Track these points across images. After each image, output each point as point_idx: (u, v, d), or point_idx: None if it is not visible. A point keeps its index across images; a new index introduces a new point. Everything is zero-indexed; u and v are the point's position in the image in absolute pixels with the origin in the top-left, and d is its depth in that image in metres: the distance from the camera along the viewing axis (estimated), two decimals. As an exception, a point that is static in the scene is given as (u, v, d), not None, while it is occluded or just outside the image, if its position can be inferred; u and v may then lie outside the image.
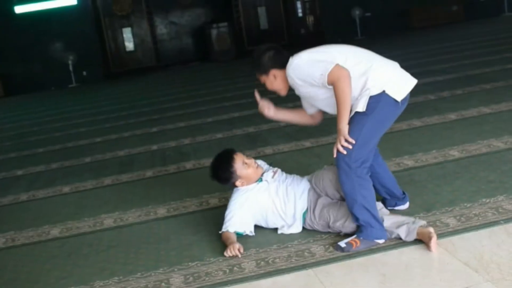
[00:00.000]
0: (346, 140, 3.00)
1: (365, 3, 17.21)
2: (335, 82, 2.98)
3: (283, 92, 3.38)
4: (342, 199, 3.31)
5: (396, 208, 3.50)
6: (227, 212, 3.42)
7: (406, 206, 3.53)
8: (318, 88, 3.13)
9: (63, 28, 15.82)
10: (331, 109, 3.25)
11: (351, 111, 3.05)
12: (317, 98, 3.24)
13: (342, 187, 3.11)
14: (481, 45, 11.27)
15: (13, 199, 5.18)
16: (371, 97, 3.03)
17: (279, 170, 3.57)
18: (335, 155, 3.06)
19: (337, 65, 2.99)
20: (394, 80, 3.10)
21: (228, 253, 3.21)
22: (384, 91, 3.03)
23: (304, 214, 3.36)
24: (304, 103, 3.47)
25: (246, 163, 3.45)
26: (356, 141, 3.00)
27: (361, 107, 3.03)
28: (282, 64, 3.25)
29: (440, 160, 4.39)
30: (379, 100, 3.02)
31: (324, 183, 3.39)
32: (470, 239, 2.99)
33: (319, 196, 3.39)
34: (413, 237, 3.03)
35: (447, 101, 6.56)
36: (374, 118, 3.04)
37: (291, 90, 3.37)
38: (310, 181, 3.49)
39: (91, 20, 16.37)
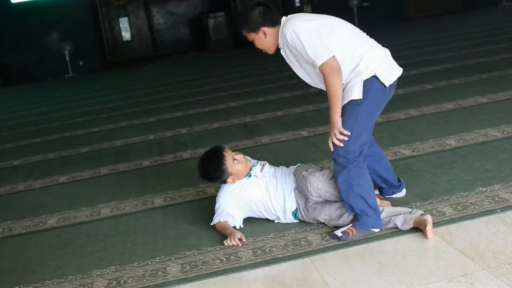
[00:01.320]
0: (342, 133, 2.99)
1: (362, -7, 17.19)
2: (326, 73, 2.96)
3: (271, 50, 3.28)
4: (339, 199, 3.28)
5: (394, 196, 3.50)
6: (216, 206, 3.42)
7: (403, 193, 3.54)
8: (305, 62, 3.11)
9: (59, 18, 15.75)
10: (309, 80, 3.27)
11: (343, 99, 3.03)
12: (299, 68, 3.22)
13: (337, 177, 3.09)
14: (479, 35, 11.26)
15: (10, 189, 5.17)
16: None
17: (267, 164, 3.53)
18: (332, 149, 3.05)
19: (333, 57, 2.95)
20: (385, 65, 3.09)
21: (228, 242, 3.21)
22: (375, 75, 3.01)
23: (294, 212, 3.35)
24: (292, 66, 3.34)
25: (235, 159, 3.40)
26: (351, 132, 2.99)
27: (357, 94, 3.00)
28: (273, 22, 3.16)
29: (437, 149, 4.39)
30: (370, 88, 3.01)
31: (323, 192, 3.23)
32: (466, 228, 2.99)
33: (305, 197, 3.33)
34: (409, 226, 3.03)
35: (444, 90, 6.56)
36: (367, 106, 3.03)
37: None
38: (295, 181, 3.38)
39: (88, 10, 16.30)
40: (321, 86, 3.22)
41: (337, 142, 3.01)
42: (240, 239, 3.20)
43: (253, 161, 3.55)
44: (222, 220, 3.37)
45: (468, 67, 7.79)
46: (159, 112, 8.02)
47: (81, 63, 16.30)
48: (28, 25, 15.59)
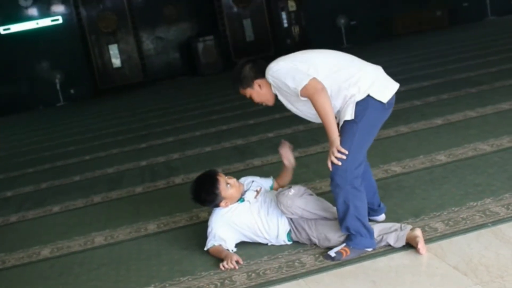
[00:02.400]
0: (340, 151, 2.99)
1: (350, 12, 17.29)
2: (311, 95, 2.98)
3: (270, 101, 3.34)
4: (319, 216, 3.29)
5: (370, 218, 3.47)
6: (208, 230, 3.43)
7: (381, 218, 3.50)
8: (295, 98, 3.13)
9: (49, 47, 15.79)
10: (309, 118, 3.29)
11: (339, 120, 3.05)
12: (294, 107, 3.26)
13: (335, 197, 3.08)
14: (466, 50, 11.36)
15: (3, 221, 5.15)
16: (357, 103, 3.02)
17: (263, 189, 3.56)
18: (331, 169, 3.03)
19: (313, 79, 2.98)
20: (378, 83, 3.09)
21: (225, 265, 3.20)
22: (368, 95, 3.02)
23: (289, 233, 3.36)
24: (290, 108, 3.36)
25: (229, 184, 3.42)
26: (349, 151, 2.99)
27: (349, 115, 3.02)
28: (264, 73, 3.24)
29: (427, 165, 4.42)
30: (367, 106, 3.02)
31: (295, 210, 3.23)
32: (458, 243, 3.01)
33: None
34: (402, 243, 3.04)
35: (433, 106, 6.61)
36: (364, 125, 3.03)
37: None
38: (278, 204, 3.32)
39: (77, 38, 16.35)
40: (309, 118, 3.30)
41: (335, 161, 2.99)
42: (237, 262, 3.20)
43: (248, 184, 3.57)
44: (215, 244, 3.37)
45: (456, 82, 7.85)
46: (151, 138, 8.03)
47: (72, 91, 16.31)
48: (18, 54, 15.61)
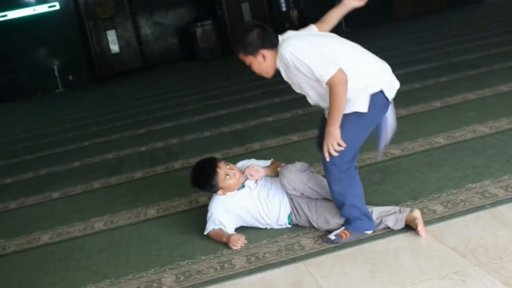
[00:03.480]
0: (339, 144, 2.94)
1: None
2: (333, 86, 2.85)
3: (269, 74, 3.17)
4: (320, 195, 3.30)
5: None
6: (208, 215, 3.43)
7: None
8: (309, 80, 2.99)
9: (46, 34, 15.74)
10: (309, 99, 3.18)
11: (346, 108, 2.97)
12: (305, 88, 3.10)
13: (330, 187, 3.07)
14: (464, 32, 11.32)
15: (2, 208, 5.16)
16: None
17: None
18: (328, 159, 2.96)
19: (341, 70, 2.85)
20: (388, 80, 3.07)
21: (236, 246, 3.24)
22: (381, 90, 2.99)
23: (289, 216, 3.37)
24: (292, 85, 3.23)
25: (228, 175, 3.38)
26: (348, 143, 2.95)
27: (362, 107, 2.95)
28: (272, 44, 3.04)
29: (426, 148, 4.42)
30: (374, 101, 2.98)
31: (297, 184, 3.26)
32: (457, 225, 3.01)
33: (297, 196, 3.34)
34: (401, 225, 3.05)
35: (432, 88, 6.60)
36: (368, 120, 3.01)
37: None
38: (282, 184, 3.33)
39: (75, 24, 16.30)
40: (318, 103, 3.16)
41: (334, 153, 2.94)
42: (239, 240, 3.25)
43: (260, 163, 3.57)
44: (215, 228, 3.38)
45: (455, 65, 7.83)
46: (150, 123, 8.02)
47: (70, 77, 16.28)
48: (16, 41, 15.57)
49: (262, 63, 3.09)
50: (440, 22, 14.33)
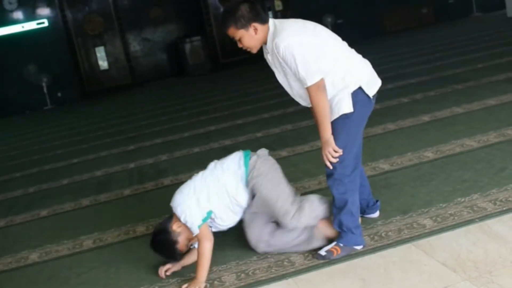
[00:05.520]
0: (336, 151, 2.99)
1: (336, 10, 17.31)
2: (313, 92, 2.95)
3: (256, 48, 3.16)
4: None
5: (366, 216, 3.49)
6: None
7: (376, 215, 3.50)
8: (291, 74, 3.04)
9: (35, 50, 15.69)
10: (288, 90, 3.20)
11: (333, 114, 3.02)
12: (290, 79, 3.11)
13: (332, 191, 3.09)
14: (452, 46, 11.41)
15: (-9, 226, 5.12)
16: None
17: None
18: (330, 167, 3.03)
19: (322, 80, 2.94)
20: (368, 76, 3.11)
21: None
22: (360, 87, 3.02)
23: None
24: (276, 73, 3.22)
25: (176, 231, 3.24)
26: (345, 146, 3.01)
27: (347, 108, 2.99)
28: (262, 19, 3.06)
29: (415, 162, 4.43)
30: (356, 100, 3.01)
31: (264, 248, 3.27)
32: (446, 239, 3.02)
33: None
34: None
35: (420, 103, 6.63)
36: (355, 119, 3.04)
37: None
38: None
39: (64, 40, 16.25)
40: (297, 99, 3.22)
41: (333, 160, 3.01)
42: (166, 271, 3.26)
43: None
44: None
45: (443, 79, 7.88)
46: (139, 140, 8.00)
47: (59, 94, 16.22)
48: (4, 58, 15.51)
49: (253, 36, 3.08)
50: (428, 36, 14.42)
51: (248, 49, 3.16)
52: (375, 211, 3.50)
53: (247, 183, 3.25)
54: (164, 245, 3.24)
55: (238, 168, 3.28)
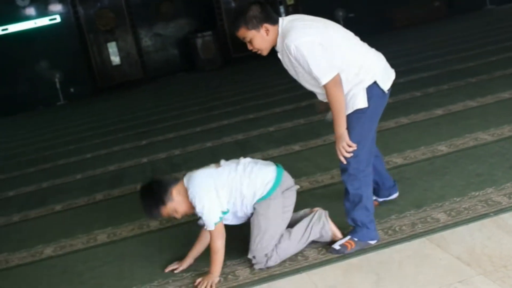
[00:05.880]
0: (350, 145, 2.99)
1: (348, 4, 17.24)
2: (329, 88, 2.93)
3: (267, 50, 3.13)
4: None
5: (390, 198, 3.52)
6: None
7: (397, 194, 3.59)
8: (303, 71, 3.02)
9: (47, 46, 15.75)
10: (303, 83, 3.17)
11: (347, 109, 3.00)
12: (304, 76, 3.09)
13: (347, 187, 3.09)
14: (465, 40, 11.33)
15: (6, 221, 5.16)
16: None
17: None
18: (345, 162, 3.03)
19: (338, 74, 2.92)
20: (382, 70, 3.09)
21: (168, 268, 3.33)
22: (375, 82, 3.01)
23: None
24: (288, 70, 3.21)
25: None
26: (359, 143, 3.00)
27: (362, 103, 2.99)
28: (273, 20, 3.04)
29: (428, 156, 4.42)
30: (371, 95, 3.00)
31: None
32: (461, 233, 3.01)
33: None
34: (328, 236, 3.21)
35: (433, 97, 6.59)
36: (370, 114, 3.03)
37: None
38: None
39: (76, 36, 16.30)
40: (315, 92, 3.19)
41: (348, 155, 3.00)
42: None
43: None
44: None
45: (456, 72, 7.83)
46: (152, 135, 8.02)
47: (72, 89, 16.28)
48: (17, 54, 15.58)
49: (264, 37, 3.06)
50: (440, 30, 14.33)
51: (259, 51, 3.15)
52: (396, 190, 3.58)
53: (257, 201, 3.19)
54: (152, 197, 3.17)
55: (261, 187, 3.16)
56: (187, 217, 4.08)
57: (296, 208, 3.32)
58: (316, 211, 3.28)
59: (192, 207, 3.15)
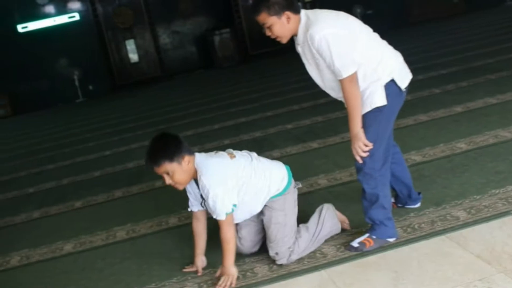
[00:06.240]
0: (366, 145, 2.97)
1: (366, 1, 17.18)
2: (346, 84, 2.91)
3: (287, 38, 3.07)
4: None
5: (407, 207, 3.48)
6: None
7: (417, 205, 3.49)
8: (324, 66, 2.99)
9: (66, 44, 15.87)
10: (319, 82, 3.15)
11: (365, 107, 2.98)
12: (315, 68, 3.08)
13: (363, 186, 3.07)
14: (484, 36, 11.23)
15: (26, 217, 5.21)
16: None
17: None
18: (360, 161, 3.00)
19: (355, 72, 2.90)
20: (399, 68, 3.07)
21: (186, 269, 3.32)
22: (392, 79, 2.98)
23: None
24: (307, 64, 3.16)
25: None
26: (375, 142, 2.97)
27: (381, 100, 2.96)
28: (296, 8, 2.98)
29: (447, 153, 4.39)
30: (388, 93, 2.97)
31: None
32: (481, 231, 2.99)
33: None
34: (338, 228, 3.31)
35: (452, 93, 6.55)
36: (387, 112, 3.01)
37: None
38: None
39: (94, 34, 16.41)
40: (329, 91, 3.17)
41: (364, 155, 2.97)
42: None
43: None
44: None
45: (475, 69, 7.77)
46: (170, 132, 8.02)
47: (90, 87, 16.40)
48: (36, 52, 15.71)
49: (285, 25, 2.99)
50: (459, 26, 14.22)
51: (278, 39, 3.09)
52: (417, 202, 3.48)
53: (272, 197, 3.19)
54: (164, 147, 3.05)
55: (276, 183, 3.20)
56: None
57: (315, 206, 3.33)
58: (322, 205, 3.36)
59: (187, 183, 3.11)
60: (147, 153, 3.08)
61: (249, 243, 3.28)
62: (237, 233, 3.25)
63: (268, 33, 3.06)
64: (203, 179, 3.02)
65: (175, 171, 3.02)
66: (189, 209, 3.29)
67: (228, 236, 3.04)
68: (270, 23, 2.99)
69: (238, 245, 3.22)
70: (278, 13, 2.95)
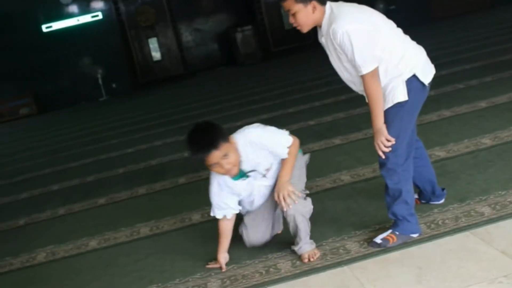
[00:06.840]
0: (388, 140, 2.96)
1: (388, -4, 17.09)
2: (367, 79, 2.90)
3: (308, 27, 3.04)
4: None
5: (431, 203, 3.45)
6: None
7: (441, 202, 3.47)
8: (346, 60, 2.98)
9: (90, 43, 16.02)
10: (342, 74, 3.14)
11: (387, 102, 2.97)
12: (337, 61, 3.06)
13: (386, 181, 3.06)
14: (508, 31, 11.09)
15: (51, 214, 5.27)
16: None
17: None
18: (383, 157, 2.99)
19: (377, 68, 2.89)
20: (422, 63, 3.04)
21: (209, 265, 3.34)
22: (414, 75, 2.96)
23: None
24: (330, 57, 3.15)
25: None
26: (398, 137, 2.96)
27: (402, 96, 2.94)
28: (323, 1, 2.96)
29: (472, 149, 4.35)
30: (411, 88, 2.95)
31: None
32: (506, 227, 2.96)
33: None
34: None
35: (476, 89, 6.48)
36: (409, 107, 2.98)
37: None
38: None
39: (117, 33, 16.53)
40: (350, 84, 3.16)
41: (386, 150, 2.96)
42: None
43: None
44: (220, 214, 3.30)
45: (499, 64, 7.68)
46: (192, 129, 8.05)
47: (114, 85, 16.53)
48: (60, 51, 15.88)
49: (310, 14, 2.96)
50: (483, 21, 14.07)
51: (298, 27, 3.06)
52: (441, 199, 3.46)
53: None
54: (213, 132, 3.22)
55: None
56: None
57: (337, 202, 3.32)
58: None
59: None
60: (197, 143, 3.18)
61: (255, 230, 3.34)
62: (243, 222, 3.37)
63: (291, 20, 3.03)
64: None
65: (228, 153, 3.17)
66: (220, 216, 3.33)
67: (293, 151, 3.44)
68: (296, 10, 2.96)
69: (244, 237, 3.34)
70: (305, 1, 2.94)
